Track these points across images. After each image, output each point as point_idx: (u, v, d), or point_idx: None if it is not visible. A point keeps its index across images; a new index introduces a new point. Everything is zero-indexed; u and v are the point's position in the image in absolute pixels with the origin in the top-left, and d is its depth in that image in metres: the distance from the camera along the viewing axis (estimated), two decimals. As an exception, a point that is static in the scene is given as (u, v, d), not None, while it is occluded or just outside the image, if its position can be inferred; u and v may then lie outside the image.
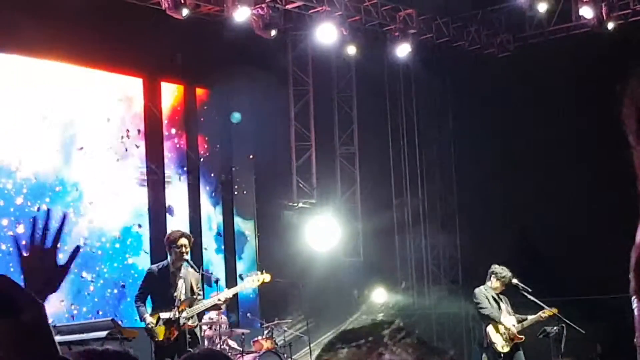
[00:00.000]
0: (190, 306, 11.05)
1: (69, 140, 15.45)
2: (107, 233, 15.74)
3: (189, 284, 11.14)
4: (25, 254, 2.62)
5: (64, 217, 2.70)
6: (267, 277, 12.05)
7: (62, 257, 2.66)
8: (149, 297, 11.35)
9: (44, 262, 2.61)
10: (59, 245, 2.66)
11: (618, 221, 17.03)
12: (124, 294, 15.60)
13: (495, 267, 13.26)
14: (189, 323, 11.03)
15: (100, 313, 15.00)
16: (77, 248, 2.63)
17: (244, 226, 17.84)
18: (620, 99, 1.52)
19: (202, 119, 17.57)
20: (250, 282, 12.25)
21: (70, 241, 14.02)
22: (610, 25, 17.27)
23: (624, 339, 14.06)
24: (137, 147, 16.35)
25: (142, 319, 11.13)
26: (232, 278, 16.42)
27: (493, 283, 13.16)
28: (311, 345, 15.06)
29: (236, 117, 17.63)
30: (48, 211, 2.71)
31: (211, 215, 17.39)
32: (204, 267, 13.31)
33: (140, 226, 16.16)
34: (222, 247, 17.37)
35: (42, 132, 15.14)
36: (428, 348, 1.44)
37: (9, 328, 1.67)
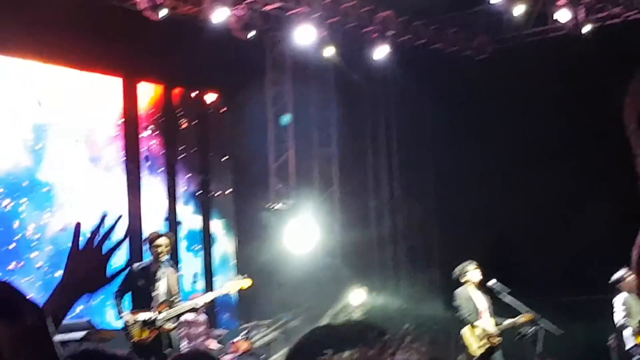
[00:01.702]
0: (169, 307, 11.06)
1: (44, 139, 15.40)
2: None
3: (168, 284, 11.15)
4: (79, 249, 2.69)
5: (118, 219, 2.77)
6: (247, 282, 12.07)
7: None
8: (128, 295, 11.37)
9: (91, 264, 2.67)
10: (113, 254, 2.75)
11: (597, 223, 17.19)
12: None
13: (460, 266, 13.33)
14: (166, 326, 11.03)
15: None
16: (129, 263, 2.67)
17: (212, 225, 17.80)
18: (620, 102, 1.54)
19: (180, 119, 17.55)
20: (229, 287, 12.27)
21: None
22: (587, 28, 17.35)
23: (600, 340, 14.10)
24: (115, 146, 16.32)
25: (120, 316, 11.14)
26: (209, 279, 16.41)
27: (472, 276, 13.19)
28: (289, 346, 15.05)
29: (285, 119, 17.73)
30: (118, 218, 2.77)
31: (186, 216, 17.36)
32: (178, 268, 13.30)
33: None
34: (193, 246, 17.31)
35: (14, 130, 15.07)
36: (437, 350, 1.46)
37: (10, 332, 1.69)
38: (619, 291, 13.30)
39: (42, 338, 1.72)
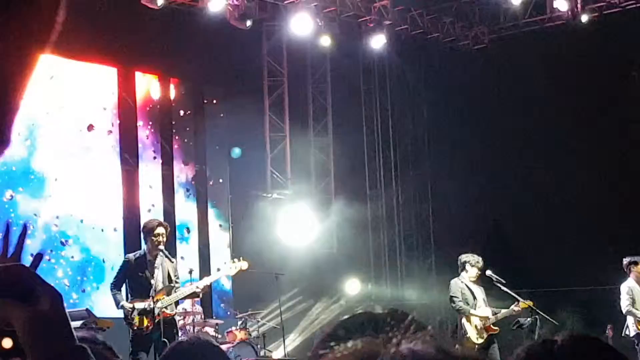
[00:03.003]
0: (168, 294, 11.06)
1: (40, 129, 15.37)
2: (75, 221, 15.67)
3: (166, 272, 11.15)
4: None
5: (24, 228, 2.72)
6: (244, 265, 12.05)
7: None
8: (125, 285, 11.37)
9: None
10: (21, 255, 2.71)
11: (594, 214, 17.16)
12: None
13: (467, 256, 13.31)
14: (167, 311, 11.03)
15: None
16: (39, 255, 2.65)
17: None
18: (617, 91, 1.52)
19: (176, 110, 17.51)
20: (228, 270, 12.26)
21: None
22: (585, 18, 17.33)
23: (596, 330, 14.11)
24: (111, 137, 16.29)
25: (120, 306, 11.14)
26: (205, 268, 16.39)
27: (469, 272, 13.19)
28: (285, 336, 15.06)
29: (236, 152, 17.70)
30: (7, 224, 2.73)
31: (182, 205, 17.35)
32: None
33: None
34: (187, 235, 17.29)
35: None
36: (443, 340, 1.44)
37: (27, 316, 1.69)
38: (626, 276, 13.38)
39: (58, 322, 1.72)
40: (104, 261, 15.81)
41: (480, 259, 13.20)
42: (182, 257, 12.89)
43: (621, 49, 16.84)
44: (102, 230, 15.96)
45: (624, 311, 13.31)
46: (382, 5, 17.85)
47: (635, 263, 13.28)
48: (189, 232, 17.27)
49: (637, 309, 13.24)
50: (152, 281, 11.03)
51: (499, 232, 18.01)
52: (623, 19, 17.20)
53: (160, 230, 11.17)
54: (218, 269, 14.61)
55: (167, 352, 3.80)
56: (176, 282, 11.30)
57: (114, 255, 15.35)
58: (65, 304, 1.75)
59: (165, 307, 11.03)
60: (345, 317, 2.22)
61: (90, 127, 16.06)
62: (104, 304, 13.56)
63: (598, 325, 14.20)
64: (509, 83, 17.92)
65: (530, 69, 17.42)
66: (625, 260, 13.30)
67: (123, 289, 11.45)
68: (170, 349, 3.88)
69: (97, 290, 15.51)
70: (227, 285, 17.21)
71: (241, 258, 12.26)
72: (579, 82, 17.11)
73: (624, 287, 13.37)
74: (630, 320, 13.25)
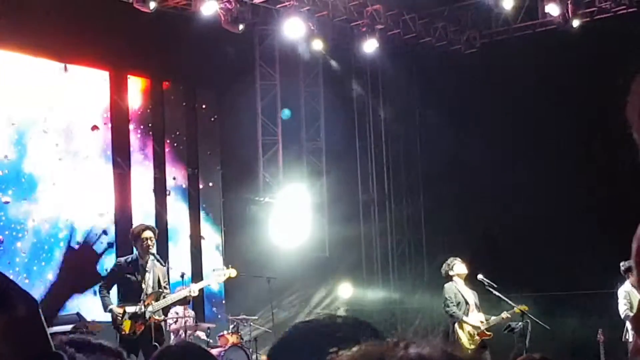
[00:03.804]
0: (156, 300, 11.04)
1: (31, 132, 15.35)
2: (66, 224, 15.64)
3: (156, 277, 11.14)
4: (73, 249, 2.77)
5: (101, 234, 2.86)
6: (232, 272, 12.09)
7: None
8: (115, 289, 11.34)
9: (84, 264, 2.77)
10: (103, 256, 2.87)
11: (587, 218, 17.14)
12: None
13: (449, 260, 13.34)
14: (155, 317, 11.02)
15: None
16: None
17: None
18: (623, 96, 1.52)
19: (168, 113, 17.50)
20: (217, 277, 12.27)
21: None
22: (576, 23, 17.37)
23: (589, 334, 14.11)
24: (103, 140, 16.29)
25: (108, 309, 11.10)
26: (197, 272, 16.40)
27: (458, 268, 13.20)
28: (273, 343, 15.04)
29: (286, 113, 17.76)
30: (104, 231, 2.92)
31: (174, 209, 17.33)
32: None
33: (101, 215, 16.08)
34: (179, 240, 17.29)
35: (2, 123, 15.03)
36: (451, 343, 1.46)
37: (3, 323, 1.69)
38: (624, 281, 13.34)
39: (34, 329, 1.72)
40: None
41: (457, 257, 13.31)
42: (170, 267, 12.84)
43: (612, 54, 16.88)
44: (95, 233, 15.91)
45: (622, 316, 13.29)
46: (374, 9, 17.87)
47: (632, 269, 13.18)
48: (181, 236, 17.27)
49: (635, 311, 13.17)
50: (143, 285, 11.01)
51: (491, 235, 18.01)
52: (614, 24, 17.24)
53: (147, 234, 11.15)
54: (214, 270, 14.63)
55: (157, 354, 3.79)
56: (165, 288, 11.28)
57: (105, 259, 15.32)
58: (41, 311, 1.75)
59: (154, 313, 11.02)
60: (303, 321, 2.23)
61: (94, 128, 16.08)
62: (95, 308, 13.53)
63: (590, 330, 14.20)
64: (501, 87, 17.93)
65: (521, 73, 17.43)
66: (623, 266, 13.20)
67: (112, 292, 11.42)
68: (159, 352, 3.88)
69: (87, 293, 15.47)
70: (219, 289, 17.19)
71: (230, 266, 12.31)
72: (570, 87, 17.13)
73: (621, 292, 13.37)
74: (628, 324, 13.22)
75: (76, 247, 2.87)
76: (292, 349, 2.06)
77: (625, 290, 13.30)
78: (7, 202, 14.88)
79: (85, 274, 2.83)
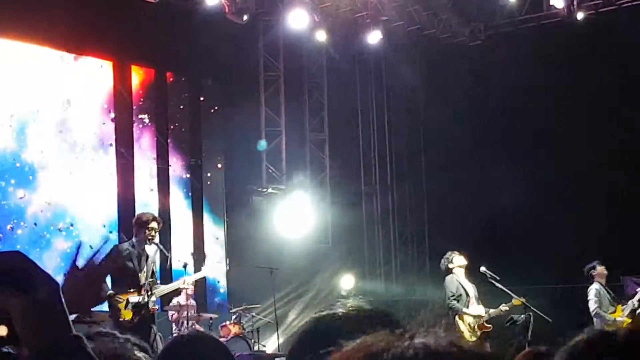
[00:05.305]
0: (153, 288, 11.00)
1: (37, 122, 15.35)
2: (69, 214, 15.67)
3: (155, 266, 11.11)
4: (77, 268, 2.81)
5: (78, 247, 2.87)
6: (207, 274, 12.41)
7: None
8: (109, 275, 11.28)
9: (86, 284, 2.82)
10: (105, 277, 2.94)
11: (588, 211, 17.11)
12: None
13: (449, 253, 13.36)
14: (150, 306, 10.99)
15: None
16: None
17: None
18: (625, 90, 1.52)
19: (171, 104, 17.50)
20: (207, 272, 12.35)
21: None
22: (581, 15, 17.34)
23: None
24: (106, 130, 16.28)
25: (107, 294, 11.03)
26: (200, 263, 16.40)
27: (457, 261, 13.20)
28: (279, 331, 15.08)
29: (262, 144, 17.82)
30: (106, 241, 2.91)
31: (177, 199, 17.34)
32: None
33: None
34: (183, 228, 17.30)
35: (5, 112, 15.02)
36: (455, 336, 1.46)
37: (24, 305, 1.70)
38: (592, 280, 13.66)
39: (55, 311, 1.73)
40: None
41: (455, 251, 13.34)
42: (168, 268, 12.84)
43: (616, 46, 16.84)
44: (99, 224, 15.96)
45: (592, 313, 13.47)
46: (378, 0, 17.84)
47: (594, 267, 13.62)
48: (184, 225, 17.27)
49: (604, 312, 13.41)
50: (140, 274, 10.92)
51: (494, 228, 18.00)
52: (618, 16, 17.20)
53: (154, 224, 11.07)
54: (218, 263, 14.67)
55: (169, 344, 3.78)
56: (155, 278, 11.22)
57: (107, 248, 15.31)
58: (62, 295, 1.75)
59: (154, 303, 11.01)
60: (322, 313, 2.22)
61: (82, 120, 16.05)
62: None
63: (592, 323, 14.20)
64: (505, 79, 17.91)
65: (526, 65, 17.41)
66: (585, 269, 13.67)
67: (108, 278, 11.35)
68: (171, 342, 3.86)
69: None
70: (222, 279, 17.20)
71: (228, 260, 12.38)
72: (574, 79, 17.11)
73: (592, 290, 13.58)
74: (597, 322, 13.30)
75: (82, 266, 2.87)
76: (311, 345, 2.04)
77: (595, 288, 13.57)
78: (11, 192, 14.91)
79: (91, 294, 2.84)
